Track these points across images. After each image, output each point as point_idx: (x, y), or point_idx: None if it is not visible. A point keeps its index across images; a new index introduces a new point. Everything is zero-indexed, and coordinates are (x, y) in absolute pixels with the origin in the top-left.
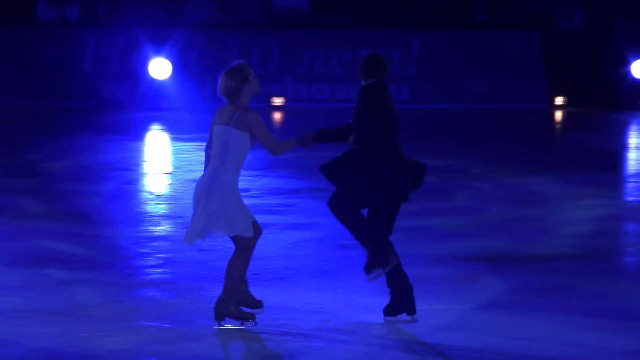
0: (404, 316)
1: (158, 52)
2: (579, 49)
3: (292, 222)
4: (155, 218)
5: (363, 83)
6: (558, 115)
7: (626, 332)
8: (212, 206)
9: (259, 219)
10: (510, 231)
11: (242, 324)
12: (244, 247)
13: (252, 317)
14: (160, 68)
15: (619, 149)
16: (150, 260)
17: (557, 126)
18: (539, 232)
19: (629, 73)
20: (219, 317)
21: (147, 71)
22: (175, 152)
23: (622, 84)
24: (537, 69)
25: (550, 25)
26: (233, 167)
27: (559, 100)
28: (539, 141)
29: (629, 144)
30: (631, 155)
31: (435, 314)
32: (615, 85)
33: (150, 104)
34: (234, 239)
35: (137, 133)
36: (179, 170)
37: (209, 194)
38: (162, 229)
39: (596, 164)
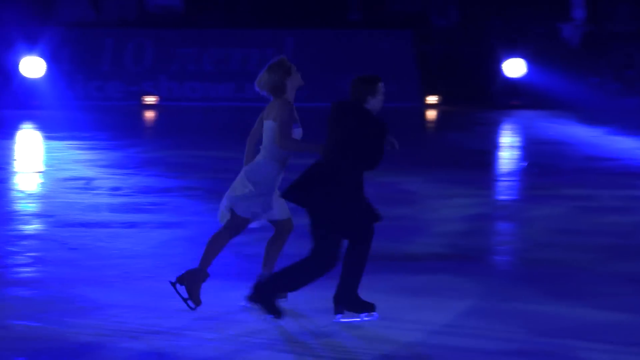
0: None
1: (31, 50)
2: (453, 47)
3: (163, 220)
4: (25, 217)
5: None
6: (431, 114)
7: (498, 332)
8: (241, 190)
9: (130, 217)
10: (382, 230)
11: (186, 300)
12: (232, 223)
13: (197, 302)
14: (32, 66)
15: (491, 148)
16: (20, 259)
17: (430, 125)
18: (411, 231)
19: (501, 72)
20: (180, 280)
21: (19, 69)
22: (47, 151)
23: (495, 82)
24: (411, 68)
25: (425, 24)
26: (275, 158)
27: (432, 99)
28: (411, 140)
29: (500, 142)
30: (503, 154)
31: (307, 314)
32: (489, 84)
33: (22, 102)
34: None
35: (8, 131)
36: (50, 168)
37: (246, 180)
38: (32, 227)
39: (468, 163)
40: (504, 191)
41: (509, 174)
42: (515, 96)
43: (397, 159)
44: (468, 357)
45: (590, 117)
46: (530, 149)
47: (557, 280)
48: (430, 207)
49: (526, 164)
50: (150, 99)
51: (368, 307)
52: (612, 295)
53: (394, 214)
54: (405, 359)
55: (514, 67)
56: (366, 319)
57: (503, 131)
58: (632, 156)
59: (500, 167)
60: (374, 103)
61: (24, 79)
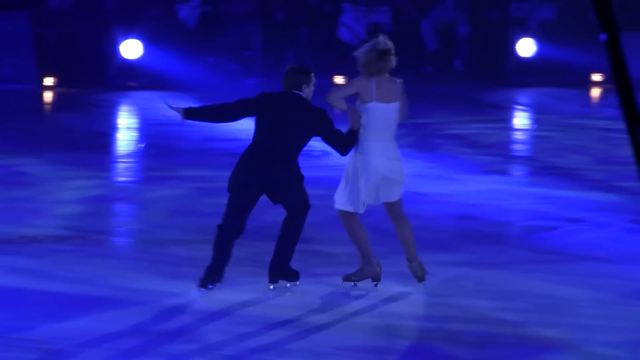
0: None
1: None
2: (70, 28)
3: None
4: None
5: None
6: (48, 96)
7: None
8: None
9: None
10: None
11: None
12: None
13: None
14: None
15: (109, 129)
16: None
17: (47, 107)
18: (29, 213)
19: (118, 53)
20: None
21: None
22: None
23: (112, 64)
24: (27, 50)
25: (41, 5)
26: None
27: (48, 81)
28: (28, 122)
29: (118, 124)
30: (120, 135)
31: None
32: (106, 65)
33: None
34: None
35: None
36: None
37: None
38: None
39: (86, 145)
40: (123, 173)
41: (127, 155)
42: (132, 77)
43: (13, 141)
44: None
45: (207, 98)
46: (148, 130)
47: (175, 261)
48: (48, 189)
49: (144, 145)
50: None
51: (296, 276)
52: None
53: (10, 196)
54: None
55: (131, 49)
56: (288, 285)
57: (120, 112)
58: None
59: (118, 148)
60: (308, 92)
61: None
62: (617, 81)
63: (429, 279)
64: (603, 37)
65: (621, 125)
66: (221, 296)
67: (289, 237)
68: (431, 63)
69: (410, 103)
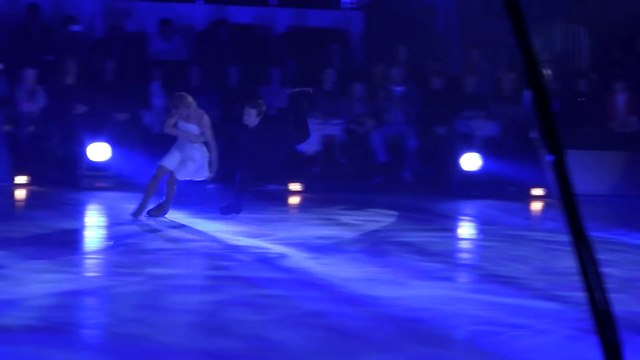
0: None
1: None
2: (41, 130)
3: None
4: None
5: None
6: (20, 193)
7: None
8: None
9: None
10: None
11: None
12: None
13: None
14: None
15: (78, 227)
16: None
17: (19, 204)
18: (2, 305)
19: (84, 155)
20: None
21: None
22: None
23: (80, 164)
24: (0, 149)
25: (12, 106)
26: None
27: (20, 179)
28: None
29: (86, 222)
30: (89, 233)
31: None
32: (74, 165)
33: None
34: None
35: None
36: None
37: None
38: None
39: (57, 240)
40: (91, 268)
41: (96, 251)
42: (101, 178)
43: None
44: None
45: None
46: (115, 228)
47: (145, 354)
48: (21, 282)
49: (112, 242)
50: None
51: None
52: None
53: None
54: None
55: (99, 151)
56: None
57: (89, 211)
58: (215, 238)
59: (87, 245)
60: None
61: None
62: (563, 198)
63: None
64: (549, 158)
65: (561, 237)
66: None
67: None
68: (381, 174)
69: (361, 211)
